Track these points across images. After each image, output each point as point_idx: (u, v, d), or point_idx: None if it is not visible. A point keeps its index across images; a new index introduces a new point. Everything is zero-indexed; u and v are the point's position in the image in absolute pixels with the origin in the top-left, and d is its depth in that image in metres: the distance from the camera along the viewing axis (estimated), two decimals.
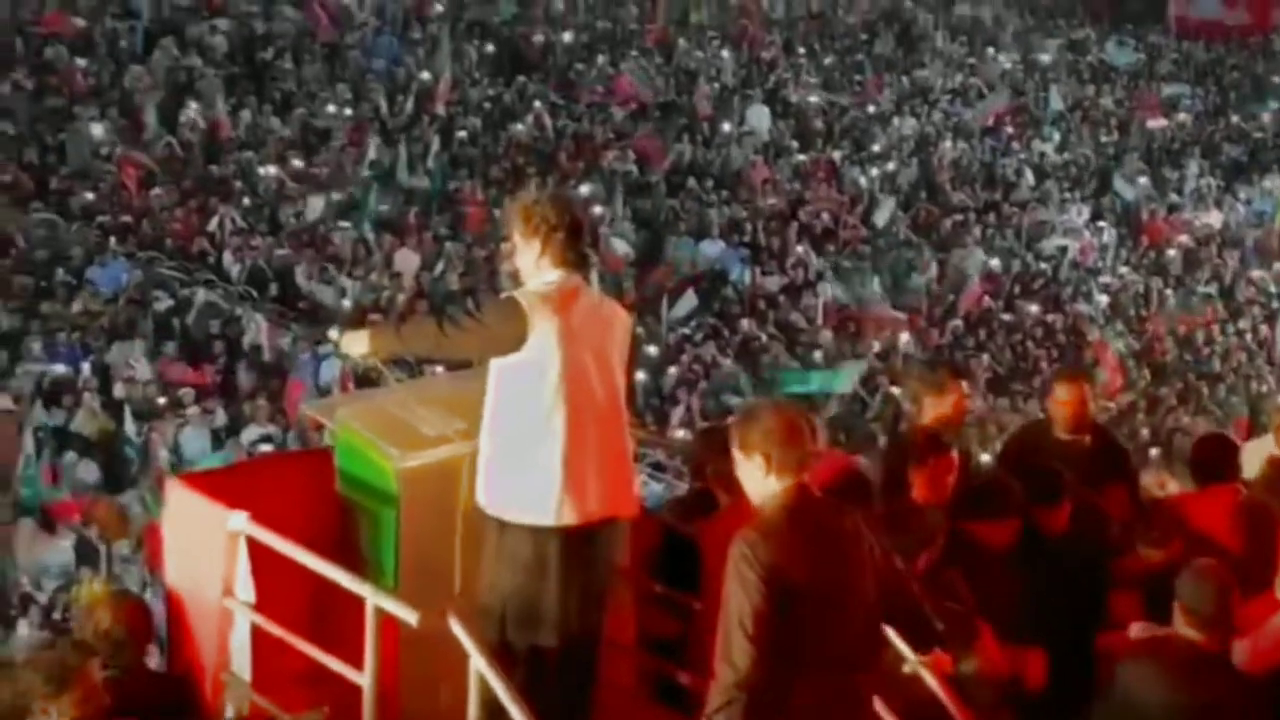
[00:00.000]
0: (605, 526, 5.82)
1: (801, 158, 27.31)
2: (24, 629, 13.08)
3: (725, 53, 30.96)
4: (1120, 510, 7.45)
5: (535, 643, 5.75)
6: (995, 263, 24.99)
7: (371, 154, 24.04)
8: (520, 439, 5.69)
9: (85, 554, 14.21)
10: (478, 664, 5.39)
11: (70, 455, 16.12)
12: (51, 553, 14.06)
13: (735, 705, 4.88)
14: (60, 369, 17.60)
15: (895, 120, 29.62)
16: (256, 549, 5.85)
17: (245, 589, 5.89)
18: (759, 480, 5.12)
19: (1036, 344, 22.91)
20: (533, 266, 5.82)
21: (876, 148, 28.30)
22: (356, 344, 6.04)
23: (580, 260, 5.90)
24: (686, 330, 21.42)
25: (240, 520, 5.84)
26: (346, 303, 20.42)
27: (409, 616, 5.43)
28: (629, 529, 6.09)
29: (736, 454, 5.18)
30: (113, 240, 20.87)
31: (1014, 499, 6.88)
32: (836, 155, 27.63)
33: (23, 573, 14.13)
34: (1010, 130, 30.18)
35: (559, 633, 5.76)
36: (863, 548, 5.19)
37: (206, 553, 5.92)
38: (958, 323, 22.89)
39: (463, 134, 25.43)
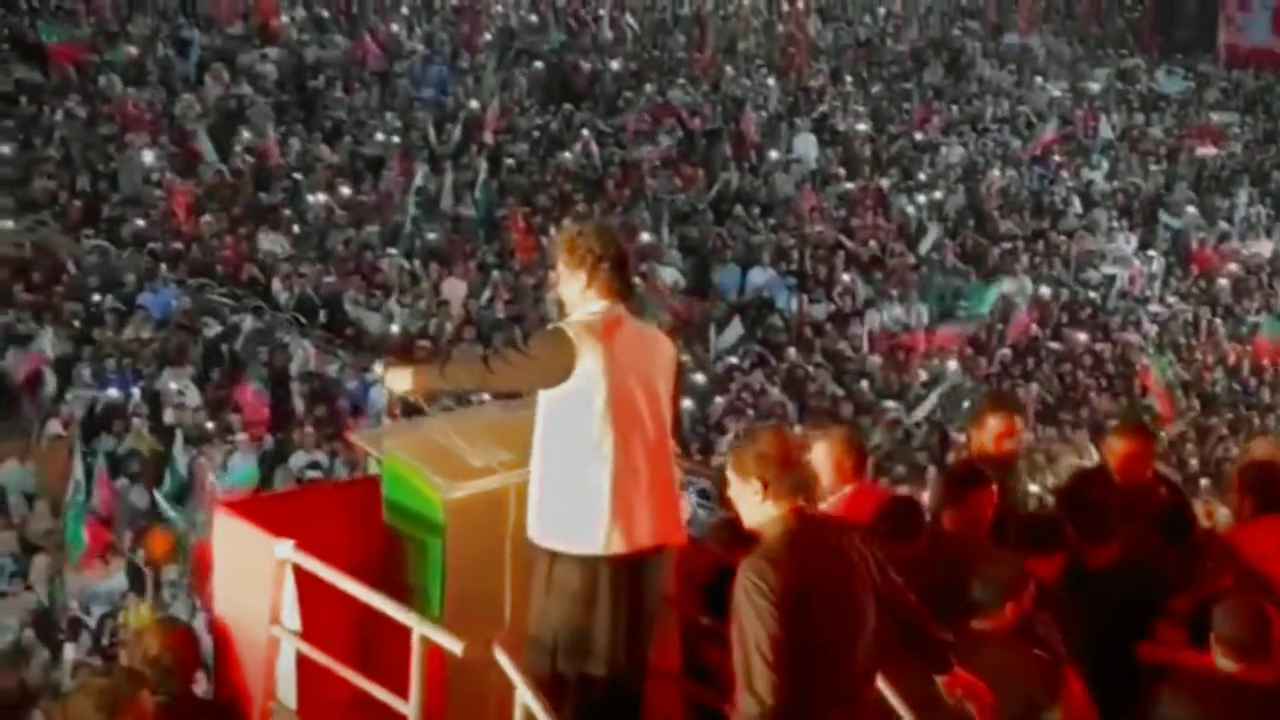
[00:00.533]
0: (653, 555, 5.82)
1: (849, 186, 27.29)
2: (72, 654, 13.14)
3: (772, 81, 30.98)
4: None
5: (584, 672, 5.74)
6: (1045, 290, 24.90)
7: (419, 182, 24.15)
8: (568, 469, 5.70)
9: (134, 580, 14.27)
10: (524, 695, 5.39)
11: (121, 481, 16.21)
12: (99, 578, 14.11)
13: None
14: (111, 395, 17.72)
15: (943, 148, 29.57)
16: (303, 577, 5.86)
17: (292, 617, 5.91)
18: (755, 505, 5.18)
19: (1085, 373, 22.79)
20: (578, 296, 5.83)
21: (924, 176, 28.25)
22: (400, 381, 6.06)
23: (626, 291, 5.89)
24: (734, 359, 21.40)
25: (287, 548, 5.86)
26: (394, 329, 20.48)
27: (454, 646, 5.44)
28: (676, 557, 6.09)
29: (732, 477, 5.23)
30: (163, 267, 21.00)
31: (1062, 534, 6.83)
32: (884, 183, 27.60)
33: (72, 598, 14.22)
34: (1059, 158, 30.09)
35: (608, 663, 5.74)
36: (864, 567, 5.22)
37: (253, 580, 5.94)
38: (1005, 351, 22.79)
39: (510, 162, 25.53)
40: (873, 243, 25.32)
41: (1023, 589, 6.12)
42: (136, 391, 17.82)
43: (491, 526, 5.93)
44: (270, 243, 21.83)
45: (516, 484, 5.87)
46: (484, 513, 5.93)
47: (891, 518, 6.75)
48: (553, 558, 5.73)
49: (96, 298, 19.86)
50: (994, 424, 7.64)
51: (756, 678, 4.93)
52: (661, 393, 5.82)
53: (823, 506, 6.87)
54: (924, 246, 25.48)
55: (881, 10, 37.98)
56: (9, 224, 21.53)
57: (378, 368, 17.21)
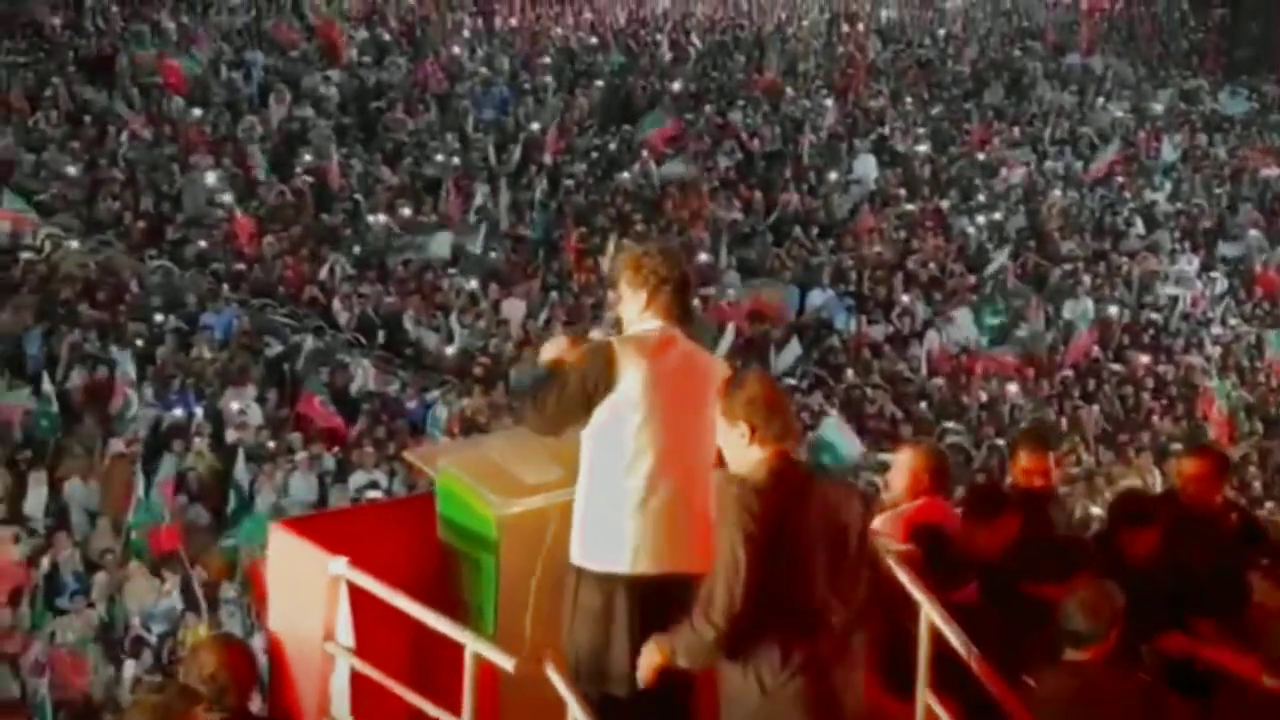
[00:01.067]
0: (682, 580, 5.64)
1: (909, 207, 27.22)
2: (132, 670, 13.24)
3: (831, 102, 30.95)
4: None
5: (605, 692, 5.66)
6: (1111, 310, 24.74)
7: (479, 202, 24.26)
8: (603, 484, 5.67)
9: (191, 598, 14.37)
10: (575, 712, 5.40)
11: (181, 499, 16.33)
12: (159, 595, 14.21)
13: (704, 656, 5.22)
14: (174, 414, 17.87)
15: (1003, 169, 29.45)
16: (358, 594, 5.90)
17: (346, 634, 5.94)
18: (741, 448, 5.32)
19: (1149, 395, 22.61)
20: (636, 317, 5.81)
21: (984, 197, 28.14)
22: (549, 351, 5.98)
23: (685, 315, 5.87)
24: (792, 380, 21.36)
25: (341, 565, 5.90)
26: (449, 350, 20.58)
27: (506, 664, 5.46)
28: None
29: (720, 421, 5.37)
30: (225, 287, 21.19)
31: (1078, 558, 6.75)
32: (944, 204, 27.52)
33: (133, 615, 14.33)
34: (1121, 179, 29.91)
35: (628, 684, 5.61)
36: (848, 516, 5.37)
37: (308, 597, 5.98)
38: (1067, 374, 22.65)
39: (570, 182, 25.61)
40: (932, 264, 25.24)
41: (1121, 613, 5.97)
42: (199, 411, 17.97)
43: (546, 544, 5.94)
44: (336, 265, 21.93)
45: (571, 501, 5.87)
46: (537, 529, 5.95)
47: (976, 500, 6.77)
48: (579, 574, 5.71)
49: (159, 318, 20.04)
50: (1024, 460, 7.58)
51: (716, 605, 5.17)
52: (708, 417, 5.69)
53: (891, 514, 6.90)
54: (990, 269, 25.36)
55: (942, 31, 37.88)
56: (75, 244, 21.76)
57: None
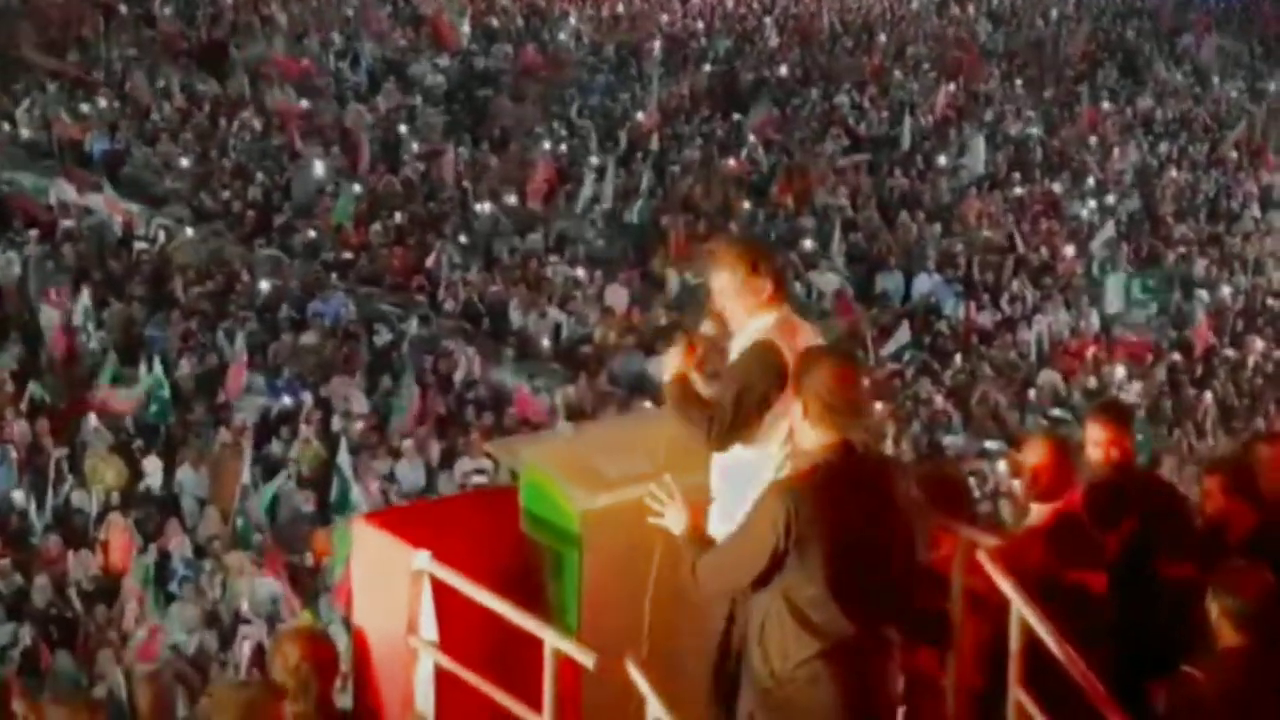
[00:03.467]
0: None
1: (1019, 190, 26.90)
2: (240, 658, 13.38)
3: (941, 85, 30.65)
4: None
5: None
6: (1225, 291, 24.30)
7: (586, 190, 24.28)
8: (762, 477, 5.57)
9: (296, 586, 14.49)
10: (656, 709, 5.36)
11: (287, 486, 16.49)
12: (262, 585, 14.35)
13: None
14: (283, 402, 18.04)
15: (1116, 151, 29.02)
16: (440, 588, 5.90)
17: (429, 628, 5.94)
18: (799, 424, 5.24)
19: (1264, 381, 22.16)
20: (753, 307, 5.70)
21: (1095, 180, 27.74)
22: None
23: (788, 295, 5.87)
24: (898, 365, 21.18)
25: (425, 559, 5.90)
26: (546, 341, 20.60)
27: (586, 659, 5.43)
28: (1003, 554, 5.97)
29: (790, 398, 5.31)
30: (333, 275, 21.37)
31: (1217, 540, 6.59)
32: (1056, 188, 27.17)
33: (241, 601, 14.47)
34: (1235, 161, 29.36)
35: None
36: (905, 515, 5.27)
37: (392, 591, 5.99)
38: (1176, 357, 22.24)
39: (675, 169, 25.56)
40: (1043, 248, 24.92)
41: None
42: (307, 398, 18.12)
43: (628, 538, 5.91)
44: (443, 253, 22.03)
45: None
46: (620, 524, 5.90)
47: (1099, 502, 6.49)
48: None
49: (268, 306, 20.25)
50: (1098, 432, 6.98)
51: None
52: None
53: (1022, 523, 6.70)
54: (1095, 244, 25.01)
55: (1054, 12, 37.39)
56: (188, 233, 22.05)
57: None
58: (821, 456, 5.16)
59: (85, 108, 25.17)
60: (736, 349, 5.71)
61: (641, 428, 6.50)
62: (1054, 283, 23.93)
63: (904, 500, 5.33)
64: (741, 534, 5.26)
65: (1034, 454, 6.59)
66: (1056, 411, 20.24)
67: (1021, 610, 5.76)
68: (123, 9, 29.70)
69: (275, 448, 17.27)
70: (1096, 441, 6.85)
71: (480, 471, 17.18)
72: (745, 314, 5.73)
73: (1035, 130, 29.27)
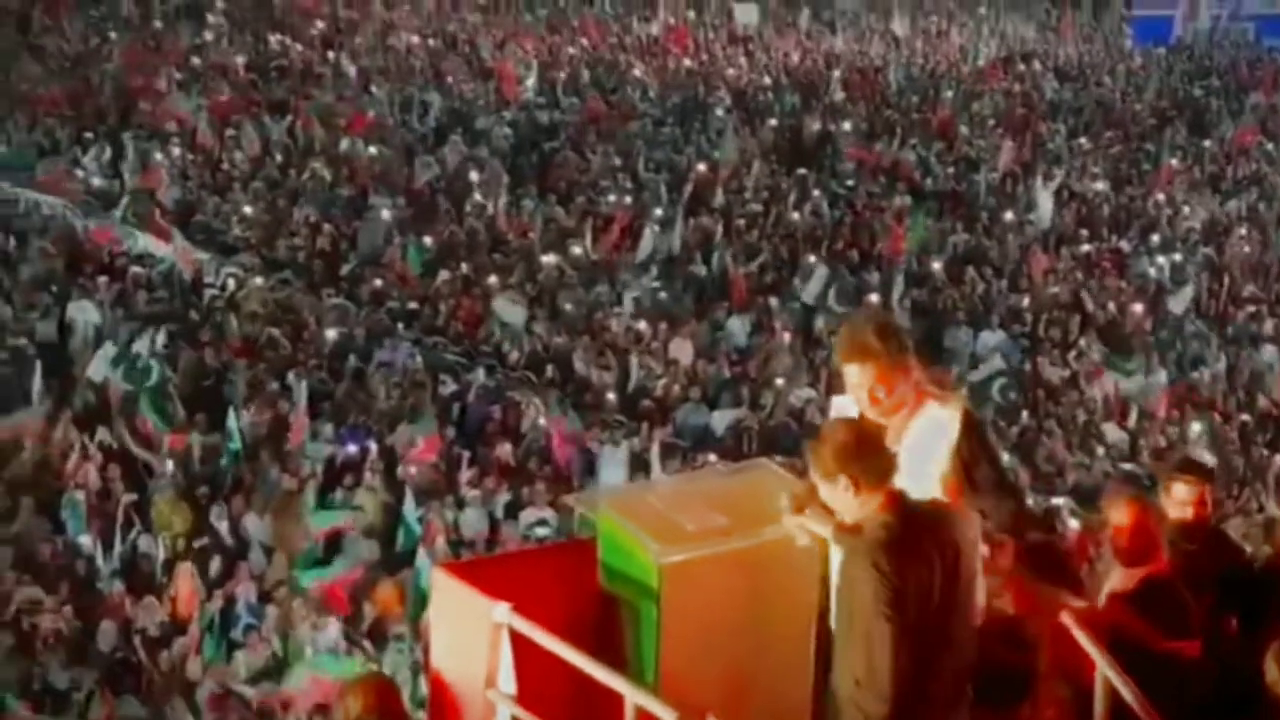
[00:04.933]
0: None
1: (1086, 247, 26.76)
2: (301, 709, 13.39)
3: (1008, 141, 30.58)
4: None
5: None
6: None
7: (649, 242, 24.32)
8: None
9: (353, 635, 14.50)
10: None
11: (352, 534, 16.52)
12: (322, 633, 14.36)
13: None
14: (348, 450, 18.09)
15: (1185, 209, 28.85)
16: (519, 640, 5.86)
17: (508, 680, 5.91)
18: (850, 502, 5.13)
19: None
20: (912, 380, 5.63)
21: (1163, 237, 27.56)
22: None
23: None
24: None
25: (504, 611, 5.86)
26: (611, 395, 20.60)
27: (667, 716, 5.38)
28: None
29: (820, 483, 5.19)
30: (399, 325, 21.46)
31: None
32: (1124, 245, 27.02)
33: (305, 648, 14.48)
34: None
35: None
36: (965, 562, 5.17)
37: (470, 642, 5.95)
38: (1246, 418, 22.01)
39: (741, 222, 25.57)
40: (1110, 305, 24.75)
41: None
42: (373, 446, 18.17)
43: (707, 592, 5.87)
44: (507, 312, 22.06)
45: (733, 551, 5.79)
46: (699, 578, 5.87)
47: (1188, 567, 6.30)
48: None
49: (335, 355, 20.35)
50: (1181, 491, 6.78)
51: (877, 689, 4.94)
52: None
53: (1103, 591, 6.46)
54: (1177, 305, 24.82)
55: (1121, 68, 37.29)
56: (258, 281, 22.22)
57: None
58: (884, 517, 5.09)
59: (158, 156, 25.46)
60: (921, 435, 5.60)
61: (718, 483, 6.46)
62: (1123, 339, 23.74)
63: (967, 545, 5.25)
64: (865, 628, 5.09)
65: (1118, 514, 6.40)
66: (1128, 466, 20.06)
67: (1109, 676, 5.67)
68: (195, 61, 30.13)
69: (340, 495, 17.33)
70: (1182, 501, 6.72)
71: (543, 522, 17.18)
72: (905, 385, 5.63)
73: (1102, 186, 29.12)
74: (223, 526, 16.35)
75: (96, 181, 25.15)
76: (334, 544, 16.34)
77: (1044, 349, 23.20)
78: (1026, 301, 24.33)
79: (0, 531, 15.89)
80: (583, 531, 6.28)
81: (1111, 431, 21.25)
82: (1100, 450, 20.67)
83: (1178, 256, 26.77)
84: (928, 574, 5.07)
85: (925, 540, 5.10)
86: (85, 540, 15.86)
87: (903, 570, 5.01)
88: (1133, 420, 21.51)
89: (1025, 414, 21.25)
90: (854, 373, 5.62)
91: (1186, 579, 6.30)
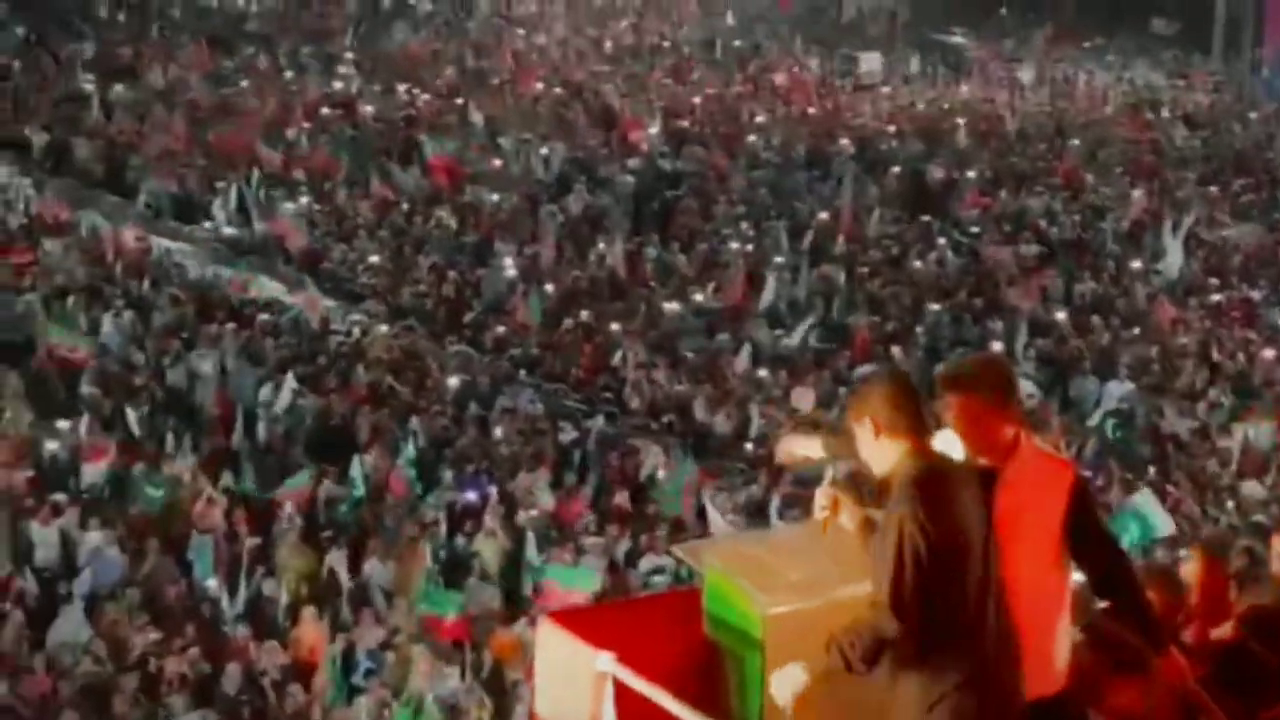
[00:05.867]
0: None
1: (1217, 297, 26.35)
2: None
3: (1135, 190, 30.22)
4: None
5: None
6: None
7: (770, 290, 24.29)
8: None
9: (479, 681, 14.56)
10: None
11: (471, 581, 16.61)
12: (440, 678, 14.43)
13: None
14: (469, 497, 18.22)
15: None
16: (623, 690, 5.87)
17: None
18: (873, 446, 5.21)
19: None
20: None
21: None
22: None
23: None
24: (1088, 472, 20.73)
25: (608, 660, 5.88)
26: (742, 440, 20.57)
27: None
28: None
29: (853, 427, 5.27)
30: (521, 372, 21.61)
31: None
32: (1255, 294, 26.57)
33: (424, 694, 14.56)
34: None
35: None
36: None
37: (574, 691, 5.96)
38: None
39: (863, 270, 25.48)
40: (1240, 355, 24.32)
41: None
42: (493, 492, 18.28)
43: (811, 643, 5.83)
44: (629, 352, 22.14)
45: (837, 600, 5.77)
46: (804, 629, 5.83)
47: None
48: None
49: (458, 401, 20.52)
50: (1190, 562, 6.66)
51: (894, 595, 5.06)
52: None
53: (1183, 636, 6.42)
54: None
55: (1253, 115, 36.75)
56: (383, 328, 22.49)
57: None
58: (912, 461, 5.15)
59: (287, 205, 25.91)
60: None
61: (829, 532, 6.42)
62: (1256, 390, 23.30)
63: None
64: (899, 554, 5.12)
65: (1188, 568, 6.39)
66: (1259, 517, 19.63)
67: None
68: (325, 110, 30.65)
69: (460, 541, 17.44)
70: None
71: (659, 570, 17.16)
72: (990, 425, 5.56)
73: (1232, 234, 28.68)
74: (343, 572, 16.51)
75: (227, 230, 25.63)
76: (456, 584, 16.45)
77: (1172, 399, 22.84)
78: (1154, 351, 23.98)
79: (129, 573, 16.17)
80: (698, 580, 6.28)
81: (1248, 486, 20.82)
82: (1230, 504, 20.28)
83: None
84: (962, 515, 5.13)
85: (959, 487, 5.17)
86: (211, 583, 16.09)
87: (931, 505, 5.05)
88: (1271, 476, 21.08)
89: (1152, 468, 20.90)
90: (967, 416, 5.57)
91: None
